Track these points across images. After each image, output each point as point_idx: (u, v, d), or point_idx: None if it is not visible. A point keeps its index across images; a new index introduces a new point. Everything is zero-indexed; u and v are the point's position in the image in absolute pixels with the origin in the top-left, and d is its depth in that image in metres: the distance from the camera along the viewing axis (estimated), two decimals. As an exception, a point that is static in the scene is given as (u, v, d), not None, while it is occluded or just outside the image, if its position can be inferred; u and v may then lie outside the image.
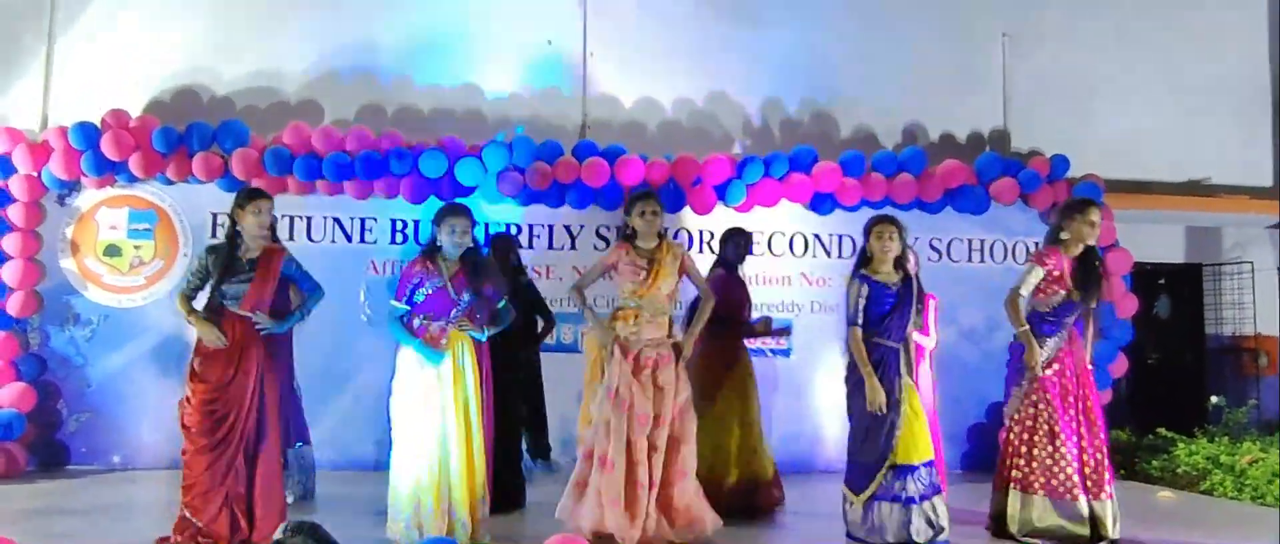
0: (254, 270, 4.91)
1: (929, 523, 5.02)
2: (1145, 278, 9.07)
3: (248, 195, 5.01)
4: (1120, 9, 9.01)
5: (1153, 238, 9.12)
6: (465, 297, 4.97)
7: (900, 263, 5.15)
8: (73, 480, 6.93)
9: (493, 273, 5.20)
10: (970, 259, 8.31)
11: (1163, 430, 8.03)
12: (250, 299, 4.87)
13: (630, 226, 5.16)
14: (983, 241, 8.32)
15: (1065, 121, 8.63)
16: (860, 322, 5.05)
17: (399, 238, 7.78)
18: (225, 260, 4.91)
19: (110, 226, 7.62)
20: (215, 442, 4.79)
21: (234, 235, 4.97)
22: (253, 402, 4.86)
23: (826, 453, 7.64)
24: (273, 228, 5.05)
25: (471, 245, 5.05)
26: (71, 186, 7.52)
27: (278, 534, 4.25)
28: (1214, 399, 8.39)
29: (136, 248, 7.63)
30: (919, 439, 5.05)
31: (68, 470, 7.32)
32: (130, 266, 7.62)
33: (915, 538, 4.97)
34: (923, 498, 5.03)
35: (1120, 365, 8.05)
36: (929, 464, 5.08)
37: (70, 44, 7.89)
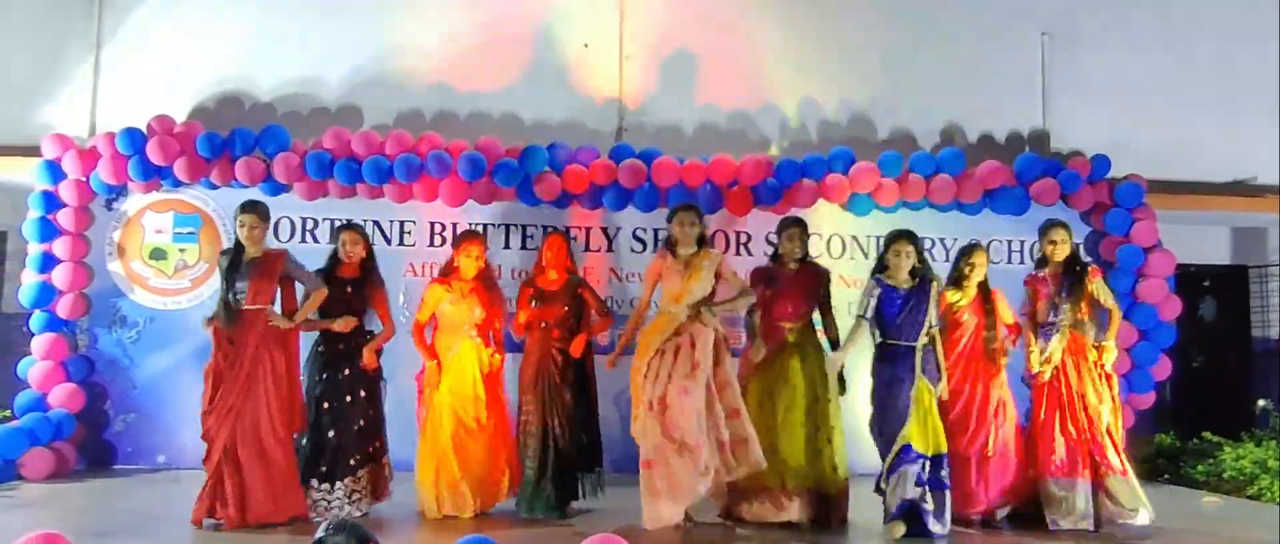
0: (253, 270, 5.53)
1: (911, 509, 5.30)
2: (1189, 280, 8.93)
3: (239, 208, 5.63)
4: (1161, 7, 8.87)
5: (1197, 239, 8.98)
6: (477, 312, 5.89)
7: (914, 272, 5.55)
8: (119, 480, 7.07)
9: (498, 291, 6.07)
10: (1010, 260, 8.22)
11: (1208, 434, 7.91)
12: (251, 295, 5.48)
13: (672, 236, 5.65)
14: (1022, 243, 8.23)
15: (1106, 121, 8.51)
16: (868, 315, 5.52)
17: (438, 240, 7.84)
18: (232, 262, 5.55)
19: (156, 230, 7.76)
20: (220, 420, 5.40)
21: (238, 241, 5.63)
22: (256, 388, 5.41)
23: (866, 455, 7.56)
24: (368, 246, 5.89)
25: (484, 266, 5.97)
26: (118, 191, 7.68)
27: (319, 533, 4.29)
28: (1261, 403, 8.26)
29: (181, 251, 7.77)
30: (925, 433, 5.36)
31: (114, 470, 7.46)
32: (175, 270, 7.76)
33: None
34: (918, 484, 5.29)
35: (1164, 368, 7.92)
36: (932, 459, 5.33)
37: (116, 53, 8.06)
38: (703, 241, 5.62)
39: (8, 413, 7.38)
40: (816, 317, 5.90)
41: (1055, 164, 8.07)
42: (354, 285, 5.82)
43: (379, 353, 5.86)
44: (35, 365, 7.35)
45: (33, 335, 7.44)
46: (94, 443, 7.53)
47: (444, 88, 8.20)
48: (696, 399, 5.32)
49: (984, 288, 5.89)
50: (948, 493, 5.35)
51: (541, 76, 8.25)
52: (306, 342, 5.81)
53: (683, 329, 5.45)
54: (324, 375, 5.72)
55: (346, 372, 5.76)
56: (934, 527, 5.27)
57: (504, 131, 7.95)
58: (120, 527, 5.33)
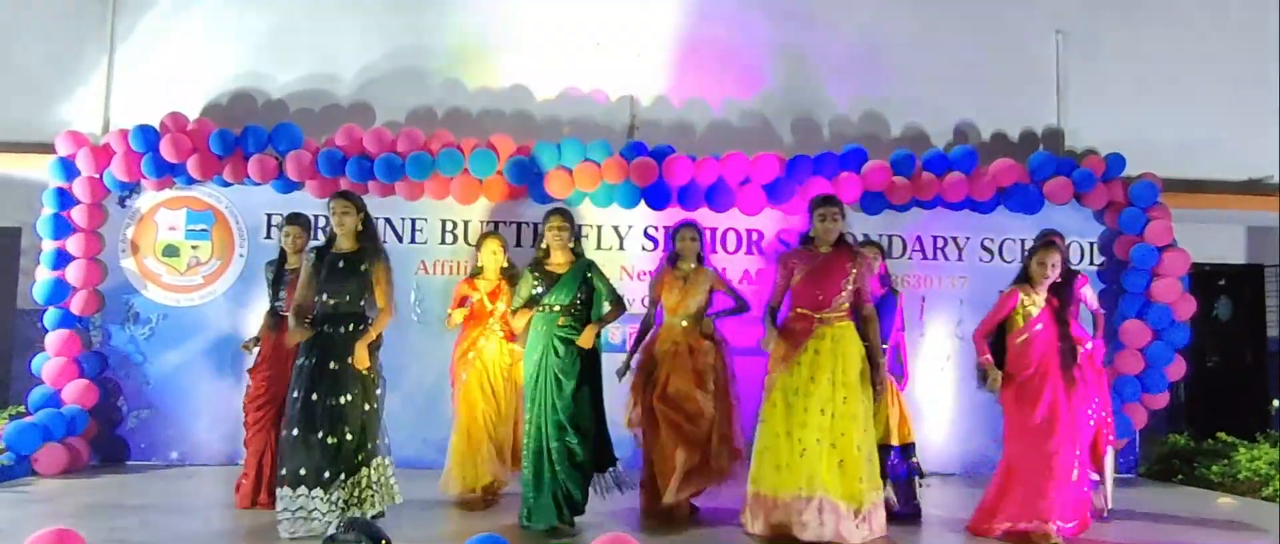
0: (295, 279, 5.69)
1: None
2: (1204, 279, 8.89)
3: (285, 220, 6.13)
4: (1176, 6, 8.81)
5: (1212, 238, 8.93)
6: (499, 306, 6.20)
7: (885, 281, 6.01)
8: (133, 475, 7.09)
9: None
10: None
11: (1223, 435, 7.87)
12: (288, 302, 5.67)
13: (675, 250, 5.93)
14: (1036, 242, 8.17)
15: (1121, 119, 8.45)
16: None
17: (449, 238, 7.85)
18: (276, 273, 5.97)
19: (169, 227, 7.79)
20: (258, 417, 5.90)
21: (282, 252, 6.01)
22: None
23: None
24: (364, 216, 5.35)
25: (507, 264, 6.32)
26: (132, 188, 7.70)
27: (331, 530, 4.30)
28: (1277, 403, 8.19)
29: (194, 248, 7.79)
30: (894, 425, 5.79)
31: (128, 465, 7.49)
32: (188, 267, 7.78)
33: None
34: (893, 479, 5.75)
35: (1179, 368, 7.86)
36: (896, 448, 5.77)
37: (130, 51, 8.09)
38: (701, 259, 5.94)
39: (22, 408, 7.43)
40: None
41: (1069, 162, 8.02)
42: (347, 261, 5.19)
43: (378, 346, 5.25)
44: (49, 361, 7.39)
45: (47, 332, 7.47)
46: (107, 439, 7.57)
47: (456, 85, 8.21)
48: (706, 406, 5.67)
49: (1060, 290, 5.39)
50: (912, 480, 5.85)
51: (553, 74, 8.25)
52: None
53: (681, 339, 5.79)
54: (312, 365, 5.07)
55: (332, 365, 5.09)
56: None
57: (516, 129, 7.94)
58: (133, 523, 5.34)
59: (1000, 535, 5.31)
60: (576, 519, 5.41)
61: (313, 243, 5.83)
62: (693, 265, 5.87)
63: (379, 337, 5.24)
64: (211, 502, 6.19)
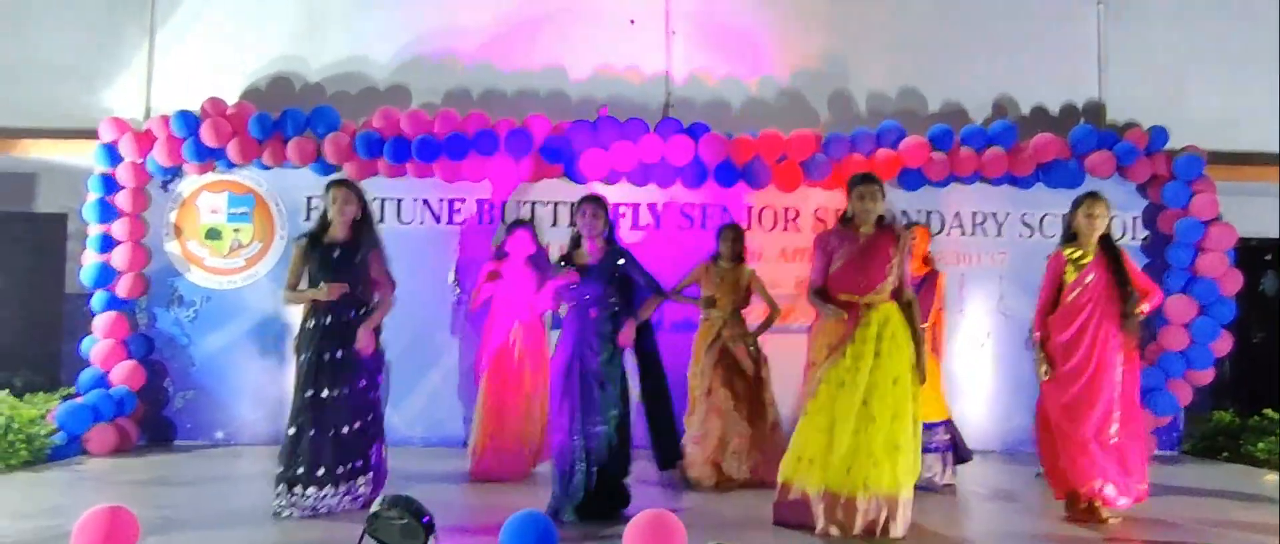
0: None
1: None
2: (1250, 253, 8.72)
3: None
4: (1220, -27, 8.62)
5: (1258, 212, 8.73)
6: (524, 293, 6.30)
7: (928, 260, 6.17)
8: (180, 455, 7.22)
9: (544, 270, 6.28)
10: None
11: (1269, 412, 7.74)
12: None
13: (717, 249, 6.38)
14: (1077, 217, 8.05)
15: (1163, 92, 8.30)
16: None
17: (486, 218, 7.88)
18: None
19: (211, 211, 7.88)
20: None
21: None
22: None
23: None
24: (363, 205, 5.30)
25: (534, 250, 6.49)
26: (174, 173, 7.80)
27: (375, 506, 4.36)
28: (1325, 379, 8.04)
29: (236, 231, 7.88)
30: (927, 402, 5.56)
31: (175, 445, 7.63)
32: (230, 249, 7.87)
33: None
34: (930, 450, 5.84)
35: (1224, 344, 7.74)
36: (930, 425, 5.79)
37: (170, 37, 8.17)
38: (740, 258, 6.38)
39: (72, 390, 7.57)
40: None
41: (1111, 136, 7.90)
42: (344, 250, 5.16)
43: (379, 331, 5.27)
44: (97, 344, 7.53)
45: (94, 315, 7.61)
46: (155, 419, 7.71)
47: (490, 66, 8.22)
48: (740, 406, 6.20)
49: (1107, 244, 5.20)
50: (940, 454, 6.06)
51: (587, 53, 8.23)
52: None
53: (722, 335, 6.23)
54: (313, 357, 5.08)
55: (339, 354, 5.10)
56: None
57: (551, 109, 7.95)
58: (182, 500, 5.45)
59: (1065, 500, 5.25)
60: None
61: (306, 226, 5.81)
62: (729, 264, 6.35)
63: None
64: (257, 480, 6.29)
